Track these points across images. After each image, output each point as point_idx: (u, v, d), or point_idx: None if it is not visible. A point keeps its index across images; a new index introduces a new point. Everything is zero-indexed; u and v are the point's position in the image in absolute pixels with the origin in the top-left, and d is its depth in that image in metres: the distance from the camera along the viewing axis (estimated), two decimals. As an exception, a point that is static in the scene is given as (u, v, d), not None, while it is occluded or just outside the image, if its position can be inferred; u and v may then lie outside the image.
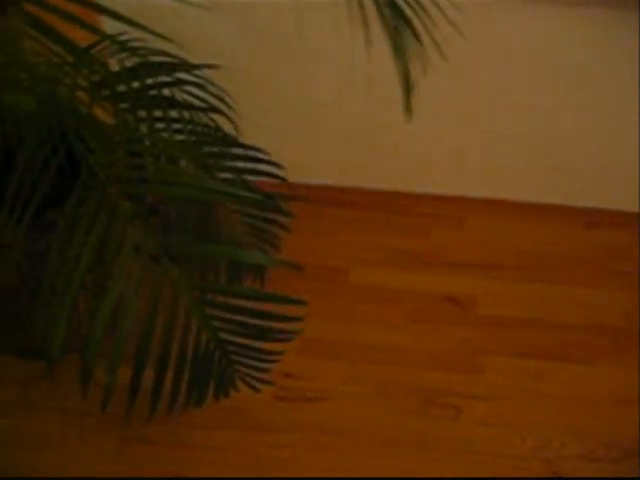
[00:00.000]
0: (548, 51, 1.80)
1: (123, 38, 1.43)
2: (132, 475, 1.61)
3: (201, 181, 1.25)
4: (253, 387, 1.50)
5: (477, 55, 1.82)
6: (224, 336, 1.34)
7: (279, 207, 1.49)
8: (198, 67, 1.49)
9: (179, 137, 1.45)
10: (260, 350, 1.40)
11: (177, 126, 1.45)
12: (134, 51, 1.36)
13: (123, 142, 1.34)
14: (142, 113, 1.39)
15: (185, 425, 1.68)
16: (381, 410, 1.72)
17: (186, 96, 1.50)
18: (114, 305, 1.21)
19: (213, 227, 1.52)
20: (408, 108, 1.20)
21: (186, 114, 1.48)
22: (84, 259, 1.20)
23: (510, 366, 1.79)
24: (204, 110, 1.50)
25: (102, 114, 1.39)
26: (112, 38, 1.16)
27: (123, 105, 1.39)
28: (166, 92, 1.46)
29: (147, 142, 1.39)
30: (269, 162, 1.55)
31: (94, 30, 1.19)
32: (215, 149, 1.50)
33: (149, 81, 1.42)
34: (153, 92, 1.42)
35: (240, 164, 1.52)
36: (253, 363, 1.43)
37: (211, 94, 1.52)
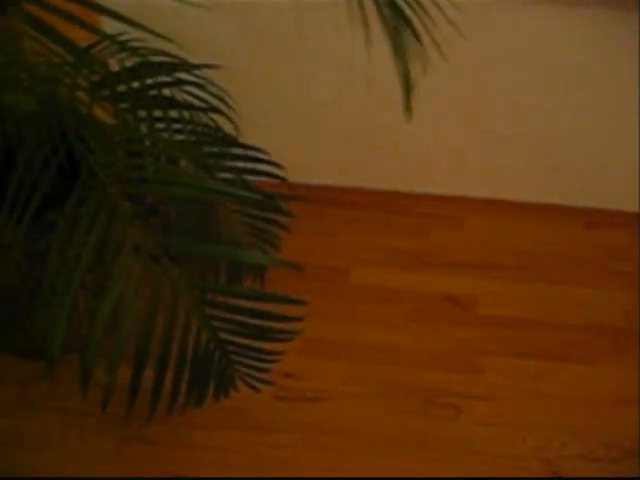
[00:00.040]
0: (548, 51, 1.80)
1: (123, 38, 1.43)
2: (132, 475, 1.61)
3: (201, 181, 1.25)
4: (253, 387, 1.50)
5: (477, 55, 1.82)
6: (224, 336, 1.34)
7: (279, 207, 1.49)
8: (198, 67, 1.49)
9: (179, 137, 1.45)
10: (260, 350, 1.40)
11: (177, 126, 1.45)
12: (134, 51, 1.36)
13: (123, 142, 1.34)
14: (142, 113, 1.39)
15: (185, 425, 1.68)
16: (381, 410, 1.72)
17: (186, 96, 1.50)
18: (114, 305, 1.21)
19: (213, 227, 1.52)
20: (408, 108, 1.20)
21: (186, 114, 1.47)
22: (84, 259, 1.20)
23: (510, 366, 1.79)
24: (204, 110, 1.50)
25: (102, 114, 1.39)
26: (112, 38, 1.16)
27: (123, 105, 1.39)
28: (166, 92, 1.46)
29: (147, 142, 1.39)
30: (269, 162, 1.55)
31: (94, 30, 1.19)
32: (215, 149, 1.50)
33: (149, 81, 1.42)
34: (153, 92, 1.42)
35: (240, 164, 1.52)
36: (253, 363, 1.43)
37: (211, 94, 1.52)
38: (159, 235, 1.23)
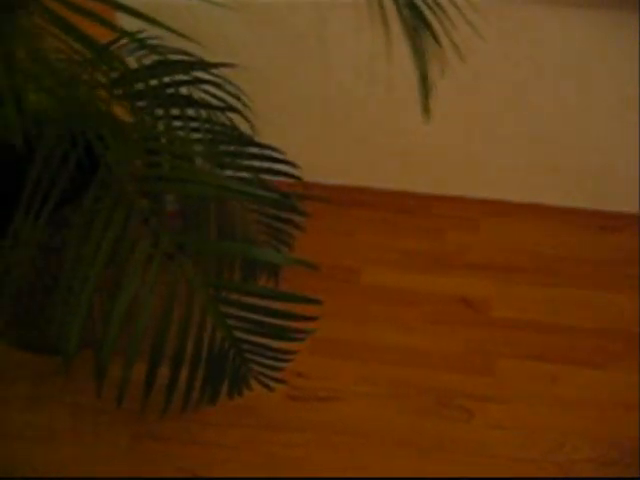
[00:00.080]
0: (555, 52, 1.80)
1: (141, 36, 1.43)
2: (145, 471, 1.62)
3: (218, 179, 1.25)
4: (267, 386, 1.50)
5: (495, 58, 1.81)
6: (239, 334, 1.34)
7: (295, 206, 1.49)
8: (215, 66, 1.49)
9: (196, 135, 1.46)
10: (274, 349, 1.40)
11: (194, 124, 1.45)
12: (153, 49, 1.36)
13: (140, 140, 1.34)
14: (159, 111, 1.40)
15: (198, 423, 1.68)
16: (393, 411, 1.72)
17: (203, 95, 1.50)
18: (130, 303, 1.22)
19: (228, 225, 1.52)
20: (426, 109, 1.20)
21: (203, 113, 1.48)
22: (101, 256, 1.21)
23: (523, 369, 1.79)
24: (221, 109, 1.50)
25: (120, 112, 1.40)
26: (132, 36, 1.16)
27: (141, 103, 1.39)
28: (183, 90, 1.46)
29: (164, 140, 1.39)
30: (285, 161, 1.55)
31: (113, 27, 1.19)
32: (231, 148, 1.50)
33: (166, 79, 1.42)
34: (170, 90, 1.42)
35: (256, 163, 1.52)
36: (267, 362, 1.44)
37: (228, 93, 1.52)
38: (175, 233, 1.23)
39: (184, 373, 1.32)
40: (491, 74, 1.83)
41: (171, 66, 1.43)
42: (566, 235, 2.05)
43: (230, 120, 1.55)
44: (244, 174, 1.49)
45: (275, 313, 1.29)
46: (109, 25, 1.20)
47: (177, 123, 1.42)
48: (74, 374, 1.75)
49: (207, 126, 1.47)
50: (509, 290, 1.93)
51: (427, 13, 1.26)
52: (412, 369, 1.78)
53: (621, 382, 1.77)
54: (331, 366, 1.79)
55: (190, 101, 1.46)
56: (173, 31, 1.21)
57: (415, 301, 1.91)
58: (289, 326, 1.33)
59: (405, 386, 1.76)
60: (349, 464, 1.64)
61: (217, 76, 1.52)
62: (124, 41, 1.50)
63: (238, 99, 1.53)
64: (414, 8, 1.23)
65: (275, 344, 1.38)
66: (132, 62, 1.49)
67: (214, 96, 1.52)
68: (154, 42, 1.45)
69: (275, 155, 1.53)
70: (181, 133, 1.43)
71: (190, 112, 1.44)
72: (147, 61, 1.44)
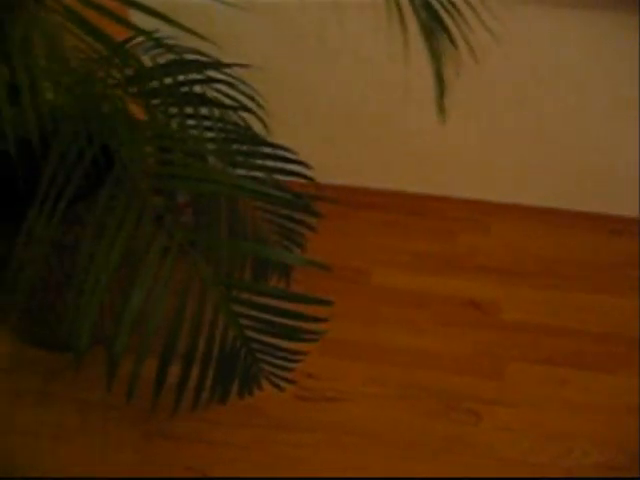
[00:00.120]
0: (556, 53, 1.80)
1: (157, 35, 1.44)
2: (154, 470, 1.62)
3: (231, 178, 1.25)
4: (277, 386, 1.50)
5: (512, 62, 1.81)
6: (250, 334, 1.34)
7: (308, 207, 1.49)
8: (229, 66, 1.49)
9: (209, 134, 1.46)
10: (285, 349, 1.40)
11: (207, 123, 1.45)
12: (169, 48, 1.37)
13: (154, 138, 1.34)
14: (173, 110, 1.40)
15: (207, 422, 1.68)
16: (402, 412, 1.72)
17: (216, 94, 1.50)
18: (142, 300, 1.22)
19: (239, 225, 1.53)
20: (441, 110, 1.20)
21: (216, 112, 1.48)
22: (114, 254, 1.21)
23: (532, 373, 1.78)
24: (234, 109, 1.50)
25: (134, 110, 1.40)
26: (149, 34, 1.16)
27: (155, 101, 1.39)
28: (197, 89, 1.46)
29: (177, 138, 1.39)
30: (297, 162, 1.55)
31: (130, 26, 1.19)
32: (244, 147, 1.50)
33: (181, 78, 1.42)
34: (184, 89, 1.43)
35: (268, 163, 1.52)
36: (278, 362, 1.43)
37: (242, 93, 1.52)
38: (188, 230, 1.23)
39: (194, 372, 1.32)
40: (492, 74, 1.84)
41: (185, 65, 1.44)
42: (576, 239, 2.05)
43: (243, 120, 1.55)
44: (257, 174, 1.50)
45: (287, 313, 1.29)
46: (125, 23, 1.21)
47: (190, 122, 1.43)
48: (85, 371, 1.75)
49: (220, 125, 1.47)
50: (519, 293, 1.93)
51: (443, 15, 1.25)
52: (421, 371, 1.78)
53: (630, 386, 1.76)
54: (341, 367, 1.79)
55: (204, 100, 1.46)
56: (188, 30, 1.21)
57: (425, 303, 1.91)
58: (300, 327, 1.33)
59: (414, 388, 1.75)
60: (357, 465, 1.64)
61: (231, 76, 1.53)
62: (139, 40, 1.51)
63: (252, 99, 1.54)
64: (431, 9, 1.23)
65: (285, 344, 1.38)
66: (146, 60, 1.49)
67: (227, 95, 1.52)
68: (169, 41, 1.45)
69: (288, 155, 1.53)
70: (194, 132, 1.43)
71: (203, 111, 1.45)
72: (161, 60, 1.44)
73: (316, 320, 1.28)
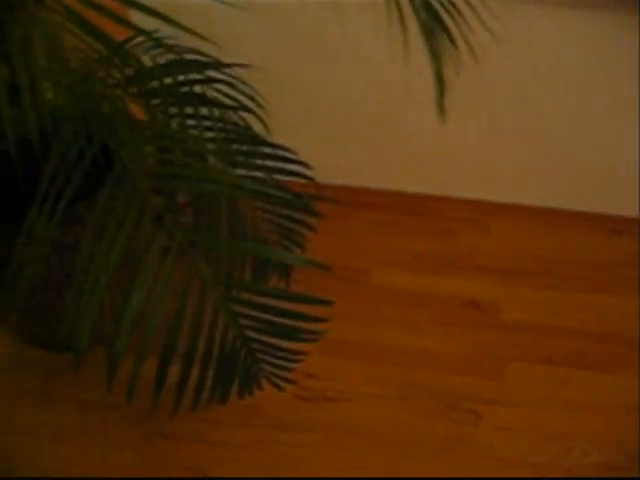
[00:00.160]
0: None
1: (157, 35, 1.44)
2: (154, 470, 1.62)
3: (232, 178, 1.25)
4: (277, 386, 1.50)
5: (512, 62, 1.81)
6: (250, 334, 1.34)
7: (308, 207, 1.49)
8: (229, 66, 1.49)
9: (209, 134, 1.46)
10: (285, 349, 1.40)
11: (207, 123, 1.45)
12: (170, 48, 1.37)
13: (154, 138, 1.34)
14: (173, 110, 1.40)
15: (207, 422, 1.68)
16: (402, 412, 1.72)
17: (216, 94, 1.50)
18: (143, 300, 1.22)
19: (239, 225, 1.52)
20: (442, 110, 1.20)
21: (216, 112, 1.48)
22: (114, 254, 1.21)
23: (532, 373, 1.78)
24: (234, 109, 1.50)
25: (134, 110, 1.40)
26: (149, 34, 1.16)
27: (155, 101, 1.39)
28: (197, 89, 1.46)
29: (177, 138, 1.39)
30: (297, 162, 1.55)
31: (130, 26, 1.19)
32: (244, 147, 1.50)
33: (181, 78, 1.42)
34: (184, 89, 1.43)
35: (268, 163, 1.52)
36: (278, 362, 1.43)
37: (242, 93, 1.52)
38: (188, 230, 1.23)
39: (194, 372, 1.32)
40: (492, 74, 1.84)
41: (185, 65, 1.44)
42: (576, 239, 2.05)
43: (243, 120, 1.55)
44: (257, 174, 1.50)
45: (287, 314, 1.29)
46: (125, 23, 1.21)
47: (190, 122, 1.43)
48: (84, 371, 1.75)
49: (220, 125, 1.47)
50: (519, 293, 1.93)
51: (444, 15, 1.25)
52: (421, 371, 1.78)
53: (630, 386, 1.76)
54: (341, 367, 1.79)
55: (204, 100, 1.46)
56: (188, 30, 1.21)
57: (425, 303, 1.91)
58: (300, 327, 1.33)
59: (414, 388, 1.75)
60: (357, 465, 1.64)
61: (230, 76, 1.53)
62: (138, 40, 1.51)
63: (252, 99, 1.54)
64: (431, 9, 1.23)
65: (285, 344, 1.38)
66: (146, 60, 1.49)
67: (227, 95, 1.52)
68: (169, 41, 1.45)
69: (288, 155, 1.53)
70: (194, 132, 1.43)
71: (203, 111, 1.45)
72: (161, 60, 1.44)
73: (316, 320, 1.28)
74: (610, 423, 1.70)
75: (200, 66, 1.47)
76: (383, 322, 1.87)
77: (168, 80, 1.39)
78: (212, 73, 1.56)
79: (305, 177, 1.59)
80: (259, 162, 1.50)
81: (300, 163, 1.56)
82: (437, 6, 1.28)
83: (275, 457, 1.64)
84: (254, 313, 1.29)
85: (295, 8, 1.80)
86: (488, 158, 2.01)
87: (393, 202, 2.11)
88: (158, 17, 1.22)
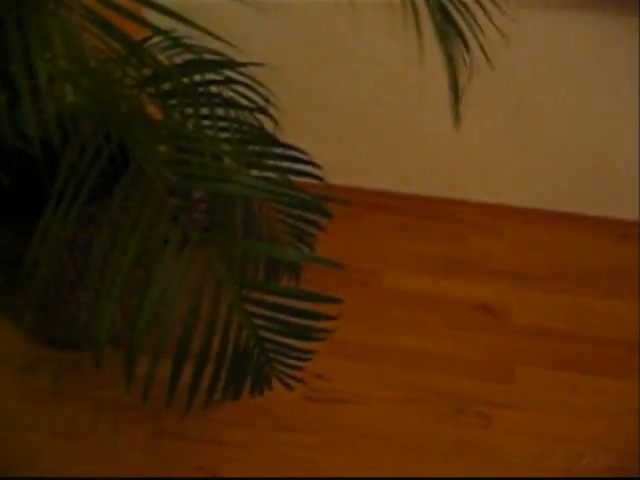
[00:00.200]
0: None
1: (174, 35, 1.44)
2: (164, 470, 1.62)
3: (248, 179, 1.25)
4: (288, 385, 1.50)
5: (520, 61, 1.81)
6: (263, 334, 1.34)
7: (321, 208, 1.49)
8: (244, 64, 1.49)
9: (224, 135, 1.46)
10: (297, 349, 1.40)
11: (222, 124, 1.46)
12: (188, 48, 1.37)
13: (170, 137, 1.35)
14: (189, 110, 1.40)
15: (217, 422, 1.68)
16: (412, 415, 1.72)
17: (231, 94, 1.51)
18: (158, 301, 1.22)
19: (254, 225, 1.53)
20: (457, 115, 1.20)
21: (232, 112, 1.48)
22: (130, 254, 1.21)
23: (543, 377, 1.78)
24: (251, 109, 1.50)
25: (152, 110, 1.40)
26: (167, 34, 1.16)
27: (171, 101, 1.39)
28: (213, 89, 1.47)
29: (193, 138, 1.39)
30: (308, 162, 1.55)
31: (147, 25, 1.19)
32: (257, 148, 1.50)
33: (197, 78, 1.43)
34: (201, 89, 1.43)
35: (282, 163, 1.53)
36: (289, 361, 1.43)
37: (256, 92, 1.52)
38: (203, 231, 1.24)
39: (208, 371, 1.32)
40: (495, 78, 1.84)
41: (201, 65, 1.44)
42: (588, 243, 2.04)
43: (257, 120, 1.55)
44: (269, 174, 1.50)
45: (300, 313, 1.30)
46: (143, 22, 1.21)
47: (206, 122, 1.43)
48: (94, 370, 1.76)
49: (235, 126, 1.47)
50: (530, 297, 1.93)
51: (458, 18, 1.25)
52: (432, 374, 1.78)
53: (641, 392, 1.76)
54: (350, 369, 1.79)
55: (220, 100, 1.46)
56: (203, 30, 1.21)
57: (436, 306, 1.90)
58: (313, 326, 1.33)
59: (424, 391, 1.75)
60: (367, 467, 1.64)
61: (246, 76, 1.53)
62: (155, 40, 1.51)
63: (267, 101, 1.54)
64: (445, 12, 1.23)
65: (296, 343, 1.38)
66: (162, 60, 1.49)
67: (243, 96, 1.52)
68: (186, 41, 1.46)
69: (299, 156, 1.54)
70: (210, 132, 1.43)
71: (219, 112, 1.45)
72: (177, 59, 1.44)
73: (328, 319, 1.28)
74: (622, 428, 1.70)
75: (216, 65, 1.47)
76: (394, 324, 1.87)
77: (185, 80, 1.39)
78: (228, 73, 1.55)
79: (316, 177, 1.59)
80: (272, 163, 1.50)
81: (311, 164, 1.56)
82: (450, 7, 1.28)
83: (284, 458, 1.64)
84: (267, 313, 1.29)
85: (309, 8, 1.80)
86: (501, 162, 2.01)
87: (406, 205, 2.11)
88: (174, 17, 1.22)
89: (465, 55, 1.33)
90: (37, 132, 1.12)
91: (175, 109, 1.39)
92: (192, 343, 1.27)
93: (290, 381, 1.50)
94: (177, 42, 1.22)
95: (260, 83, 1.52)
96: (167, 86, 1.38)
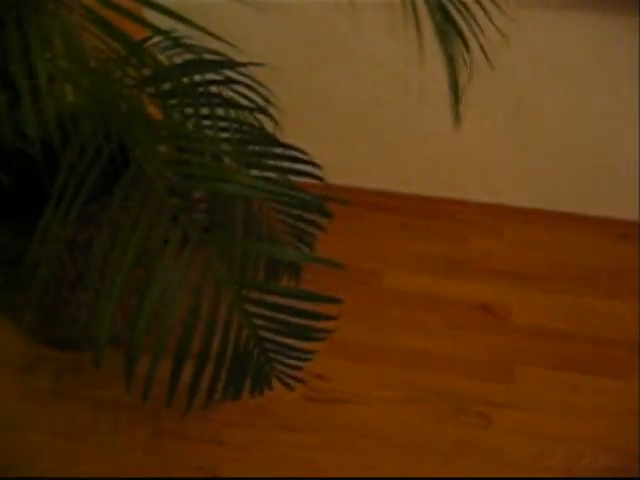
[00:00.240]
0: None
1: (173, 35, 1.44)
2: (164, 470, 1.62)
3: (248, 179, 1.25)
4: (288, 385, 1.50)
5: (520, 61, 1.81)
6: (263, 334, 1.34)
7: (322, 208, 1.49)
8: (244, 64, 1.49)
9: (224, 135, 1.46)
10: (296, 349, 1.40)
11: (222, 124, 1.46)
12: (188, 48, 1.37)
13: (170, 137, 1.35)
14: (189, 110, 1.40)
15: (217, 422, 1.68)
16: (412, 415, 1.72)
17: (231, 94, 1.51)
18: (158, 301, 1.22)
19: (254, 225, 1.53)
20: (457, 116, 1.20)
21: (232, 112, 1.48)
22: (129, 254, 1.21)
23: (543, 377, 1.78)
24: (251, 110, 1.50)
25: (150, 110, 1.40)
26: (167, 34, 1.17)
27: (171, 101, 1.39)
28: (213, 89, 1.47)
29: (193, 138, 1.40)
30: (308, 162, 1.55)
31: (147, 25, 1.19)
32: (257, 148, 1.50)
33: (197, 78, 1.43)
34: (201, 89, 1.43)
35: (281, 163, 1.53)
36: (289, 361, 1.43)
37: (256, 92, 1.52)
38: (203, 231, 1.24)
39: (208, 371, 1.32)
40: (494, 78, 1.84)
41: (201, 65, 1.44)
42: (588, 243, 2.04)
43: (257, 120, 1.55)
44: (269, 174, 1.50)
45: (300, 313, 1.30)
46: (142, 22, 1.21)
47: (206, 122, 1.43)
48: (93, 370, 1.76)
49: (235, 126, 1.47)
50: (530, 297, 1.93)
51: (458, 18, 1.25)
52: (431, 374, 1.78)
53: (641, 392, 1.76)
54: (350, 369, 1.79)
55: (220, 100, 1.46)
56: (203, 30, 1.21)
57: (436, 306, 1.91)
58: (313, 326, 1.33)
59: (424, 391, 1.75)
60: (367, 466, 1.64)
61: (246, 76, 1.53)
62: (155, 40, 1.51)
63: (267, 101, 1.54)
64: (445, 12, 1.23)
65: (296, 343, 1.38)
66: (162, 60, 1.49)
67: (243, 96, 1.52)
68: (186, 41, 1.46)
69: (299, 156, 1.54)
70: (209, 132, 1.43)
71: (219, 112, 1.45)
72: (177, 59, 1.44)
73: (329, 318, 1.28)
74: (622, 428, 1.70)
75: (216, 65, 1.47)
76: (394, 324, 1.87)
77: (185, 80, 1.39)
78: (228, 73, 1.55)
79: (316, 177, 1.59)
80: (272, 162, 1.50)
81: (311, 164, 1.56)
82: (450, 7, 1.28)
83: (284, 458, 1.64)
84: (267, 313, 1.29)
85: (309, 8, 1.80)
86: (501, 161, 2.01)
87: (406, 205, 2.11)
88: (174, 17, 1.22)
89: (465, 55, 1.32)
90: (37, 132, 1.12)
91: (175, 109, 1.39)
92: (192, 343, 1.27)
93: (290, 381, 1.50)
94: (177, 42, 1.22)
95: (260, 83, 1.52)
96: (167, 86, 1.38)
